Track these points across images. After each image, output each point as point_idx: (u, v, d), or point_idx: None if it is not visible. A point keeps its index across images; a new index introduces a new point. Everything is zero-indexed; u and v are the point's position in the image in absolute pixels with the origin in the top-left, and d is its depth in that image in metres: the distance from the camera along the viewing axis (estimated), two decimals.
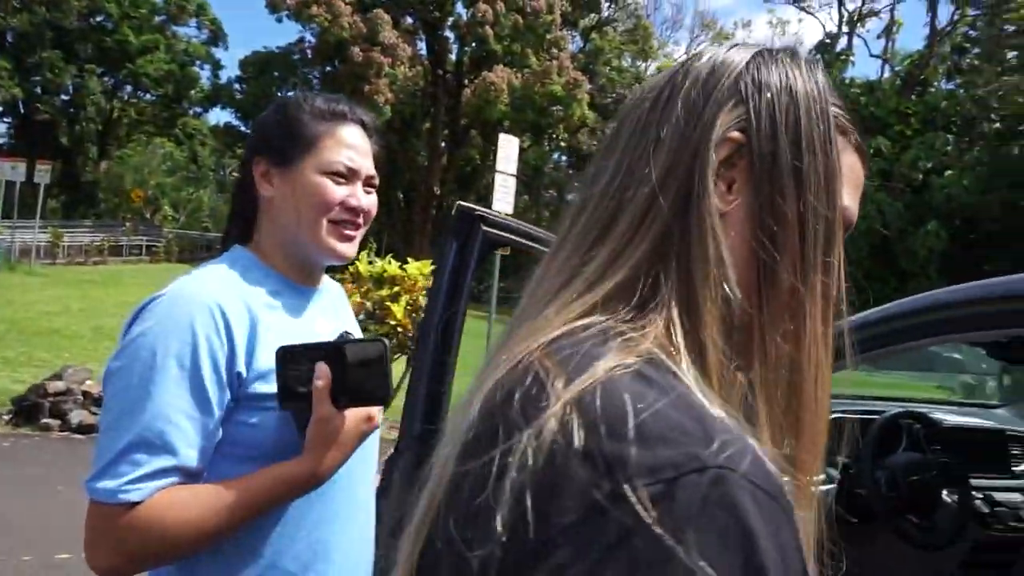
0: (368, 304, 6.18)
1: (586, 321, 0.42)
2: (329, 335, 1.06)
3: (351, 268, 6.58)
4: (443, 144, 28.29)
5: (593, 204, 0.47)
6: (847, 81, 23.07)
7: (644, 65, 32.91)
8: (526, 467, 0.35)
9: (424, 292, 6.40)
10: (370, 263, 6.58)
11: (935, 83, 22.99)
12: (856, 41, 22.97)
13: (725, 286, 0.43)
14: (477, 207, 1.26)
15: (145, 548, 0.89)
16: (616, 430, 0.34)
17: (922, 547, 1.85)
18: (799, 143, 0.46)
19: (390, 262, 6.60)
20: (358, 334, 1.20)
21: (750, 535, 0.33)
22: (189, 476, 0.92)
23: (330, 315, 1.14)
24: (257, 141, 1.09)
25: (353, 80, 23.11)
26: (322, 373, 0.93)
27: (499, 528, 0.34)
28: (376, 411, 1.01)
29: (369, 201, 1.09)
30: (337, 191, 1.04)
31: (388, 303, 6.15)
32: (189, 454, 0.90)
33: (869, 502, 1.83)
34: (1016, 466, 2.33)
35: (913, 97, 22.41)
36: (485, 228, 1.25)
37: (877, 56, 23.74)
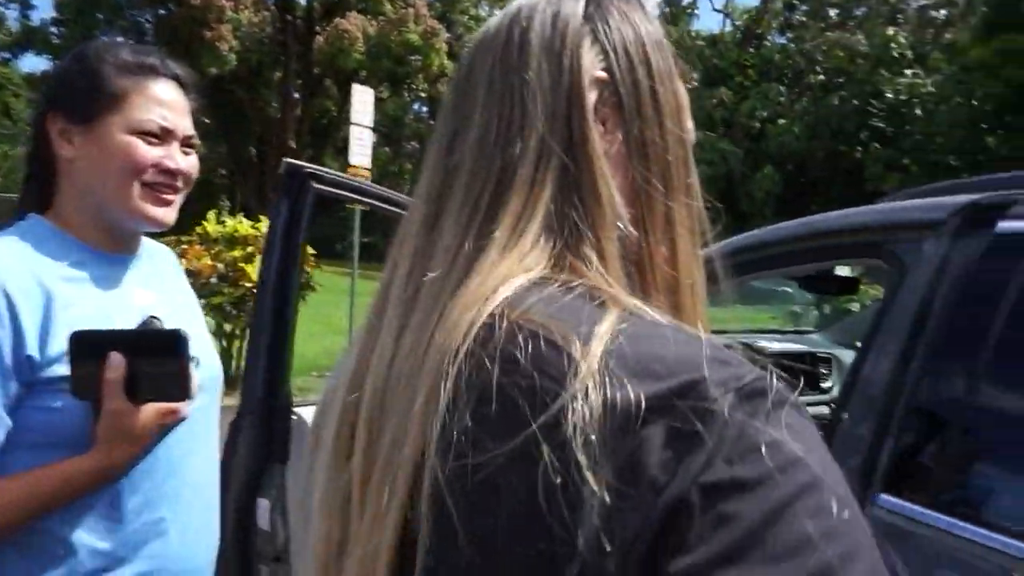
0: (220, 266, 5.86)
1: (531, 276, 0.42)
2: (150, 308, 1.00)
3: (199, 229, 6.19)
4: (296, 95, 26.86)
5: (473, 161, 0.46)
6: (692, 34, 24.16)
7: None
8: (589, 442, 0.33)
9: None
10: (220, 223, 6.22)
11: (769, 37, 24.59)
12: None
13: (620, 225, 0.45)
14: (307, 164, 1.24)
15: None
16: (664, 369, 0.35)
17: None
18: (652, 75, 0.48)
19: (241, 221, 6.27)
20: (192, 303, 1.15)
21: (813, 428, 0.36)
22: None
23: (154, 285, 1.06)
24: (53, 94, 0.98)
25: (191, 24, 21.26)
26: (114, 364, 0.87)
27: (595, 506, 0.32)
28: (183, 404, 0.95)
29: (188, 163, 1.01)
30: (150, 152, 0.96)
31: (242, 264, 5.86)
32: None
33: None
34: (823, 383, 2.66)
35: (751, 50, 23.87)
36: (316, 186, 1.22)
37: (719, 10, 25.00)
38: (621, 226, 0.45)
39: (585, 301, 0.40)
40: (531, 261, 0.43)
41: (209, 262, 5.85)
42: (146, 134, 0.96)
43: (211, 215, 6.37)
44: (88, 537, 0.92)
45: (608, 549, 0.32)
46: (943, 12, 25.76)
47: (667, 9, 24.15)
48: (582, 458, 0.33)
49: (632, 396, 0.34)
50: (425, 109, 33.42)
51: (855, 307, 4.94)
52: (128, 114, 0.95)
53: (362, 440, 0.43)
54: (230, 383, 7.09)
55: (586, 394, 0.34)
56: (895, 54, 20.46)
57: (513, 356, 0.38)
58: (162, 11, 24.15)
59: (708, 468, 0.32)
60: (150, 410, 0.91)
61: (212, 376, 1.09)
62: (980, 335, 1.22)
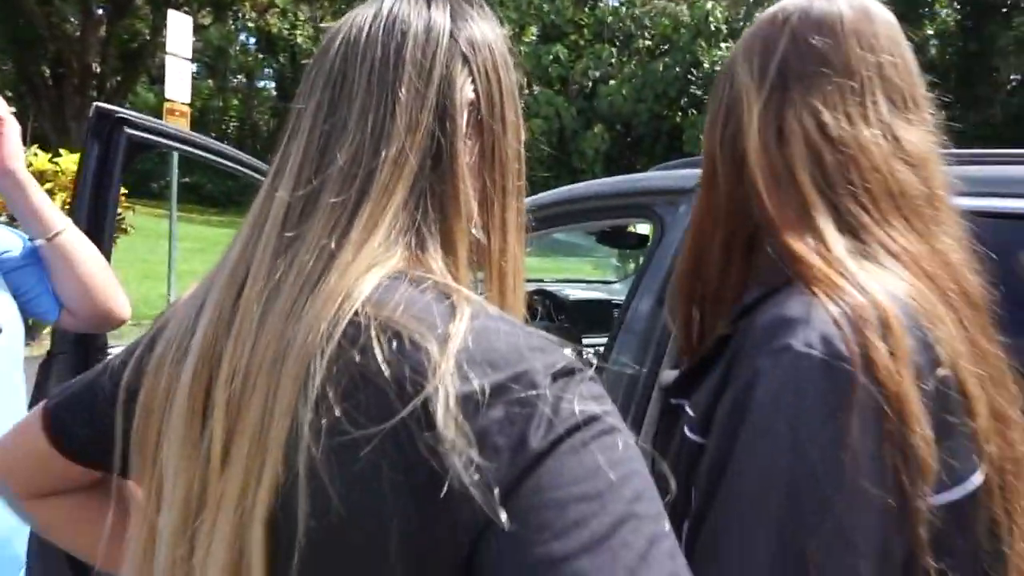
0: None
1: (384, 272, 0.48)
2: None
3: None
4: (100, 11, 23.88)
5: (346, 164, 0.50)
6: None
7: None
8: (448, 424, 0.41)
9: None
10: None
11: None
12: None
13: (474, 231, 0.53)
14: (119, 109, 1.24)
15: None
16: (501, 361, 0.43)
17: None
18: (503, 93, 0.55)
19: (36, 154, 5.66)
20: (10, 245, 1.12)
21: (605, 394, 0.45)
22: None
23: None
24: None
25: None
26: None
27: (459, 468, 0.40)
28: None
29: None
30: None
31: None
32: None
33: None
34: None
35: (586, 9, 24.58)
36: (129, 131, 1.24)
37: None
38: (473, 230, 0.52)
39: (436, 300, 0.46)
40: (382, 258, 0.48)
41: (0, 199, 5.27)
42: None
43: (31, 150, 5.69)
44: None
45: (468, 500, 0.40)
46: None
47: None
48: (447, 435, 0.41)
49: (477, 386, 0.42)
50: (253, 40, 31.10)
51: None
52: None
53: (221, 418, 0.47)
54: (31, 332, 6.48)
55: (445, 386, 0.42)
56: (712, 27, 22.03)
57: (380, 352, 0.43)
58: None
59: (539, 432, 0.41)
60: None
61: (8, 327, 1.08)
62: None
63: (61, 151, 5.95)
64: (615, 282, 3.76)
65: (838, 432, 0.50)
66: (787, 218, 0.63)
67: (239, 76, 34.83)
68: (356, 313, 0.45)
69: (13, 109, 1.04)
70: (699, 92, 20.95)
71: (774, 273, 0.61)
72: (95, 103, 1.23)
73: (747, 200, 0.67)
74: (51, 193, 5.45)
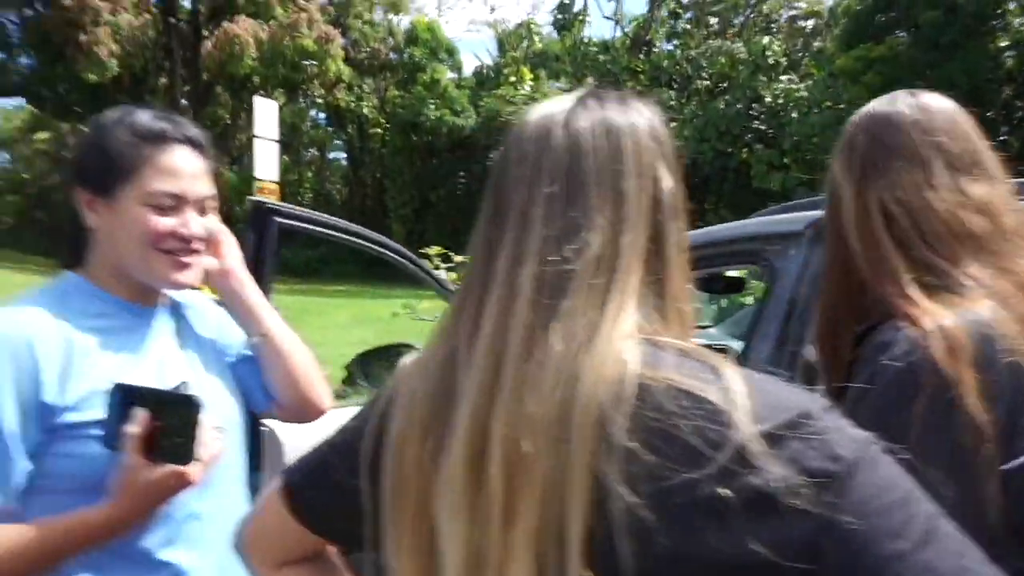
0: None
1: (639, 338, 0.55)
2: (164, 358, 1.05)
3: None
4: (184, 102, 25.75)
5: (597, 245, 0.57)
6: (586, 40, 24.97)
7: (396, 19, 32.54)
8: (766, 457, 0.49)
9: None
10: None
11: (658, 44, 25.77)
12: (591, 3, 24.72)
13: (682, 284, 0.61)
14: (267, 200, 1.37)
15: None
16: (782, 406, 0.51)
17: None
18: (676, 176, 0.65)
19: None
20: (215, 352, 1.17)
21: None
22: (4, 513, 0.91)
23: (186, 337, 1.11)
24: (76, 170, 1.03)
25: (65, 29, 19.98)
26: (138, 421, 0.91)
27: (782, 492, 0.48)
28: (194, 469, 0.96)
29: (206, 225, 1.06)
30: (163, 223, 1.01)
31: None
32: None
33: None
34: None
35: (641, 56, 24.91)
36: (279, 220, 1.36)
37: (609, 18, 25.92)
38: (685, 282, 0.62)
39: (697, 361, 0.54)
40: (632, 327, 0.56)
41: None
42: (157, 207, 1.00)
43: None
44: None
45: (805, 517, 0.48)
46: (811, 22, 27.75)
47: (560, 16, 24.80)
48: (772, 470, 0.48)
49: (772, 426, 0.50)
50: (323, 116, 32.80)
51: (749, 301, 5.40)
52: (141, 187, 1.00)
53: (500, 478, 0.52)
54: None
55: (748, 430, 0.49)
56: (771, 61, 21.92)
57: (676, 409, 0.51)
58: (29, 13, 22.59)
59: (841, 453, 0.49)
60: (162, 471, 0.93)
61: (232, 421, 1.13)
62: None
63: None
64: (710, 326, 3.72)
65: (910, 412, 0.75)
66: (876, 272, 0.87)
67: (311, 149, 36.70)
68: (639, 376, 0.52)
69: None
70: (763, 127, 20.75)
71: (878, 311, 0.85)
72: (249, 198, 1.35)
73: (851, 261, 0.91)
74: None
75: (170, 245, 1.02)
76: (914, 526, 0.48)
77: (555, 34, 26.99)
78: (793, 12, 25.90)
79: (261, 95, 10.86)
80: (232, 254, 1.17)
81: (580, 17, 24.78)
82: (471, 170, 28.74)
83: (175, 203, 1.02)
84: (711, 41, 23.92)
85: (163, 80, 25.43)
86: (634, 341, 0.55)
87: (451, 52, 32.52)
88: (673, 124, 22.97)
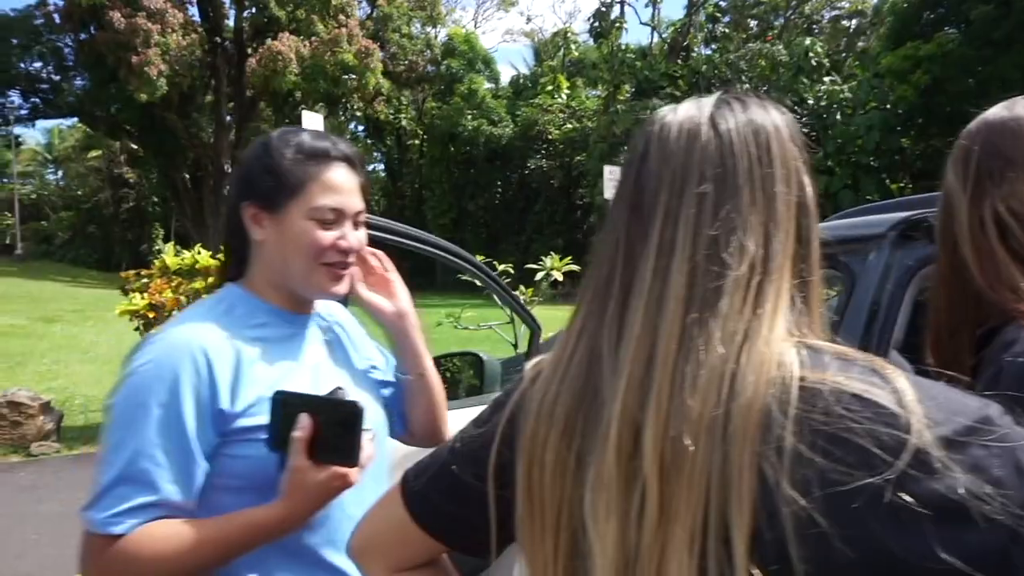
0: (183, 299, 5.85)
1: (792, 341, 0.55)
2: (318, 365, 1.12)
3: (158, 262, 6.15)
4: (228, 118, 26.40)
5: (752, 250, 0.57)
6: (624, 47, 24.88)
7: (433, 31, 32.89)
8: (947, 464, 0.48)
9: None
10: (178, 254, 6.20)
11: (696, 49, 25.54)
12: (627, 10, 24.62)
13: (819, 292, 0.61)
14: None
15: None
16: (958, 410, 0.50)
17: None
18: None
19: (200, 252, 6.26)
20: (354, 359, 1.25)
21: None
22: (176, 509, 0.97)
23: (334, 345, 1.19)
24: (243, 185, 1.10)
25: (116, 50, 20.67)
26: (303, 425, 0.97)
27: (968, 497, 0.47)
28: (354, 471, 1.02)
29: (359, 238, 1.13)
30: (326, 236, 1.07)
31: (205, 296, 5.85)
32: (171, 489, 0.96)
33: None
34: None
35: (679, 61, 24.72)
36: (368, 231, 1.38)
37: (646, 24, 25.78)
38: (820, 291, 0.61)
39: (859, 364, 0.53)
40: (785, 327, 0.55)
41: (172, 295, 5.84)
42: (321, 220, 1.08)
43: (170, 247, 6.34)
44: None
45: (994, 525, 0.47)
46: (854, 21, 27.23)
47: (596, 24, 24.77)
48: (956, 476, 0.47)
49: (951, 431, 0.49)
50: (362, 129, 33.26)
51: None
52: (306, 201, 1.06)
53: (655, 476, 0.52)
54: None
55: (927, 435, 0.48)
56: (813, 62, 21.55)
57: (846, 412, 0.50)
58: (83, 36, 23.44)
59: (1016, 465, 0.48)
60: (327, 471, 0.99)
61: (380, 426, 1.19)
62: (915, 327, 1.49)
63: (200, 245, 6.52)
64: None
65: None
66: (992, 281, 0.87)
67: None
68: (803, 382, 0.52)
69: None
70: (805, 130, 20.34)
71: (997, 315, 0.87)
72: None
73: (966, 270, 0.90)
74: (214, 287, 5.99)
75: (330, 258, 1.08)
76: None
77: (592, 42, 26.94)
78: (836, 12, 25.44)
79: (303, 109, 11.08)
80: (404, 296, 1.22)
81: (617, 24, 24.69)
82: (509, 179, 28.85)
83: (335, 217, 1.08)
84: (751, 44, 23.62)
85: (209, 97, 26.12)
86: (790, 343, 0.54)
87: (488, 62, 32.79)
88: None
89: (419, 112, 32.43)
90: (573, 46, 30.50)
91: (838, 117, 20.19)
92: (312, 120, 8.19)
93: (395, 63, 29.17)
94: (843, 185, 18.17)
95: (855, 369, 0.53)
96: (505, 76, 36.59)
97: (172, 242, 6.55)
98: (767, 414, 0.51)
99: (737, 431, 0.51)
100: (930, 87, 21.10)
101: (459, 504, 0.67)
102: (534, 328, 2.09)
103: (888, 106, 21.08)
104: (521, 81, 35.29)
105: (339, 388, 1.07)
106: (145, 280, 6.00)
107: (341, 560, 1.06)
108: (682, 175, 0.59)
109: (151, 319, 5.79)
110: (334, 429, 0.98)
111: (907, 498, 0.48)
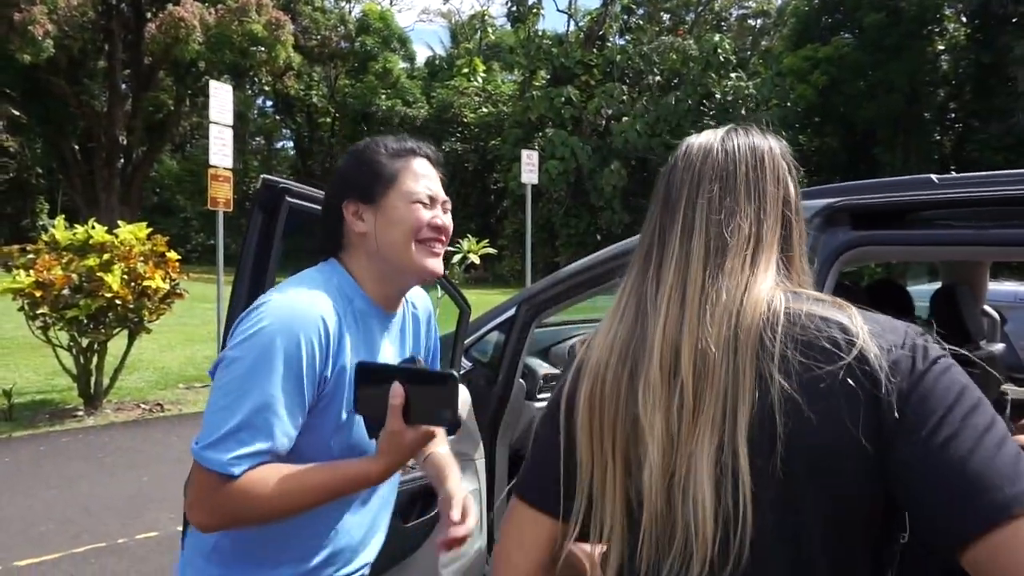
0: (75, 276, 5.44)
1: (778, 287, 0.78)
2: (391, 358, 1.26)
3: (46, 237, 5.69)
4: (124, 86, 24.76)
5: (746, 230, 0.80)
6: (541, 33, 24.96)
7: (348, 6, 31.95)
8: (881, 364, 0.70)
9: (140, 259, 5.79)
10: (69, 229, 5.75)
11: (611, 39, 25.95)
12: None
13: (802, 261, 0.85)
14: (281, 179, 1.31)
15: (234, 514, 1.07)
16: (891, 330, 0.74)
17: None
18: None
19: (93, 227, 5.84)
20: (433, 348, 1.44)
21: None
22: (277, 459, 1.09)
23: (407, 340, 1.34)
24: (342, 185, 1.24)
25: None
26: (397, 392, 1.07)
27: (890, 389, 0.69)
28: (439, 429, 1.14)
29: (449, 220, 1.27)
30: (425, 214, 1.22)
31: (100, 273, 5.45)
32: (282, 441, 1.08)
33: None
34: None
35: (595, 50, 25.06)
36: (291, 200, 1.31)
37: (563, 11, 25.94)
38: (805, 260, 0.86)
39: (826, 301, 0.76)
40: (773, 280, 0.79)
41: (61, 272, 5.41)
42: (419, 202, 1.22)
43: (59, 220, 5.87)
44: (315, 539, 1.21)
45: (896, 416, 0.68)
46: (759, 21, 28.40)
47: (514, 8, 24.73)
48: (882, 367, 0.69)
49: (887, 343, 0.71)
50: (270, 104, 31.99)
51: None
52: (403, 188, 1.22)
53: (690, 379, 0.74)
54: (91, 401, 6.56)
55: (869, 342, 0.70)
56: (721, 58, 22.34)
57: (814, 327, 0.73)
58: None
59: (921, 361, 0.71)
60: (418, 432, 1.10)
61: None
62: None
63: (92, 219, 6.11)
64: None
65: None
66: None
67: (258, 138, 35.75)
68: (787, 310, 0.75)
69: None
70: (712, 123, 21.14)
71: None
72: (262, 176, 1.29)
73: None
74: (110, 263, 5.60)
75: (427, 235, 1.22)
76: (975, 420, 0.67)
77: (509, 26, 26.91)
78: (743, 11, 26.43)
79: (208, 80, 10.47)
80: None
81: (534, 10, 24.74)
82: None
83: (429, 201, 1.24)
84: (663, 37, 24.22)
85: (102, 63, 24.41)
86: (779, 290, 0.78)
87: (403, 42, 32.12)
88: (624, 119, 23.27)
89: (331, 89, 31.49)
90: (490, 29, 30.37)
91: (743, 112, 21.04)
92: (220, 90, 7.77)
93: (307, 37, 28.16)
94: None
95: (824, 304, 0.76)
96: (421, 57, 36.05)
97: (62, 216, 6.06)
98: (761, 331, 0.73)
99: (742, 344, 0.74)
100: (827, 88, 22.25)
101: (550, 466, 0.84)
102: (463, 308, 2.05)
103: (788, 103, 22.12)
104: (437, 62, 34.85)
105: (414, 356, 1.25)
106: (31, 256, 5.54)
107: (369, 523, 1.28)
108: (698, 177, 0.83)
109: (37, 298, 5.36)
110: (424, 396, 1.07)
111: (851, 382, 0.70)
